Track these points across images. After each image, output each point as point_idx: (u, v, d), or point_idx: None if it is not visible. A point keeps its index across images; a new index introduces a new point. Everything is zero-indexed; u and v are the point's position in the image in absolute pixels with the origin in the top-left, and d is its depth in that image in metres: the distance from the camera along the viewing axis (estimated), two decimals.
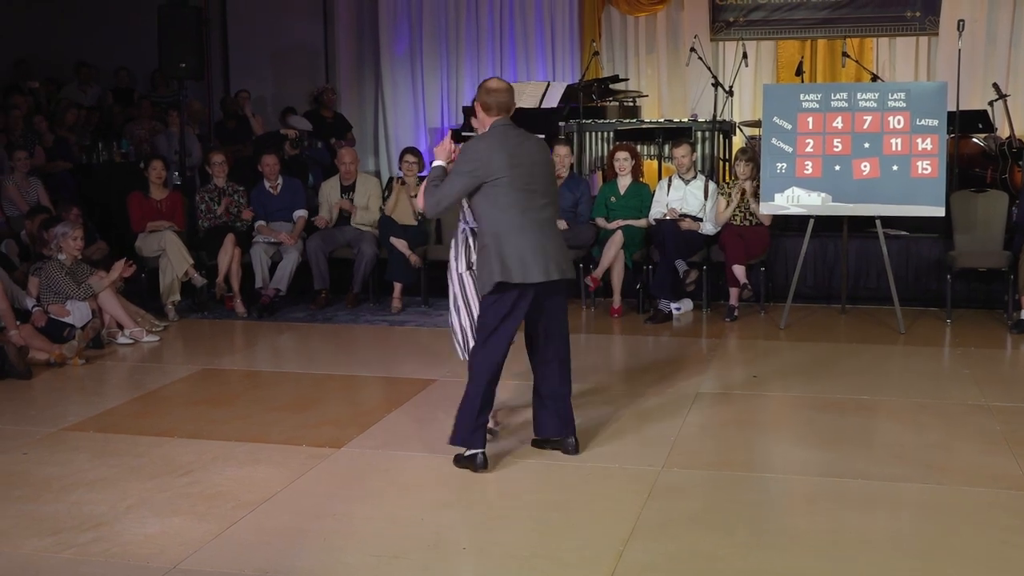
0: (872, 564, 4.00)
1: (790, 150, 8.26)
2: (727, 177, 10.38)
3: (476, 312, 5.19)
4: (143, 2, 12.02)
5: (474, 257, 5.21)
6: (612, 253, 8.78)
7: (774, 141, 8.31)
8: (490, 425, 5.32)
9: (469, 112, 10.92)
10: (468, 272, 5.28)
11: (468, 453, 5.03)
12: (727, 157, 10.81)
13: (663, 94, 13.25)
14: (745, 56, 11.07)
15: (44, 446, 5.56)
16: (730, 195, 8.89)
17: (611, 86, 11.56)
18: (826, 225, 8.82)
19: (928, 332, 8.21)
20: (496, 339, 4.99)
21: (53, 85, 12.76)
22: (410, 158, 9.53)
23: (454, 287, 5.36)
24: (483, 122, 5.17)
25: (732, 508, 4.57)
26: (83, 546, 4.22)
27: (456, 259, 5.34)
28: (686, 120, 11.01)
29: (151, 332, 8.24)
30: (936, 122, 8.06)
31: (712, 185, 9.09)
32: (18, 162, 9.70)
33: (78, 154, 11.23)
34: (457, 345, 5.42)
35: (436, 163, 5.21)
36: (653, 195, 9.19)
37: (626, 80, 12.50)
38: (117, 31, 13.31)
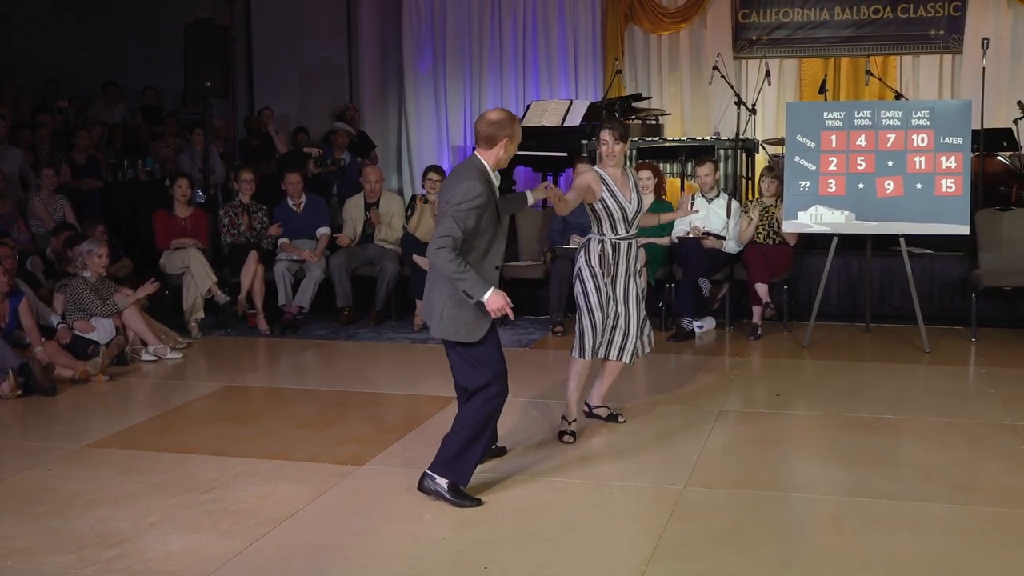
0: None
1: (813, 168, 8.23)
2: (750, 195, 10.37)
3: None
4: (169, 21, 12.13)
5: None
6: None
7: (797, 159, 8.29)
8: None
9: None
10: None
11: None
12: (750, 175, 10.79)
13: (686, 112, 13.24)
14: (768, 74, 11.07)
15: (68, 462, 5.59)
16: (748, 212, 8.87)
17: (634, 104, 11.56)
18: (850, 243, 8.78)
19: (953, 351, 8.15)
20: None
21: (80, 104, 12.87)
22: (433, 176, 9.55)
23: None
24: None
25: (756, 528, 4.55)
26: (106, 562, 4.23)
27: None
28: (709, 138, 10.99)
29: (175, 349, 8.28)
30: (960, 140, 8.02)
31: (735, 203, 9.07)
32: (45, 180, 9.78)
33: (104, 172, 11.32)
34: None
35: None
36: None
37: (649, 98, 12.50)
38: (144, 50, 13.43)
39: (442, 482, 4.87)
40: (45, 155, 10.60)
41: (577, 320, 5.84)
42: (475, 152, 4.89)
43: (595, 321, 5.77)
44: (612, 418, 6.16)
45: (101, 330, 7.94)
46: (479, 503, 4.86)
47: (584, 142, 10.54)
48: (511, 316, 4.80)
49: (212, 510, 4.82)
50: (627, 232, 5.81)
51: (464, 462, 4.86)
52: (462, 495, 4.87)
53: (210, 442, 5.91)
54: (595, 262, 5.74)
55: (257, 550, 4.35)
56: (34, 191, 9.93)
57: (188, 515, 4.76)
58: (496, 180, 4.87)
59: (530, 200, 5.34)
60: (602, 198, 5.69)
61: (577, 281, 5.81)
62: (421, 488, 4.92)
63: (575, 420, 5.86)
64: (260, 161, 12.04)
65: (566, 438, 5.77)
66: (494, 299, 4.68)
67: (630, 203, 5.77)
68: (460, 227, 4.62)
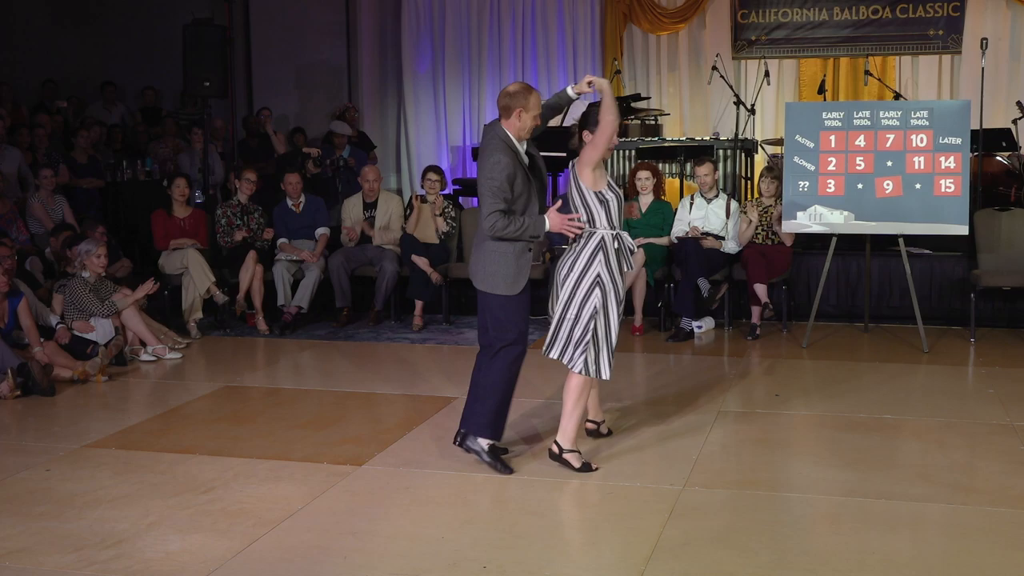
0: None
1: (812, 168, 8.24)
2: (749, 195, 10.37)
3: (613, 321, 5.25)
4: (168, 22, 12.14)
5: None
6: (634, 271, 8.77)
7: (796, 159, 8.29)
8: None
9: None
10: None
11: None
12: (749, 175, 10.80)
13: (685, 112, 13.26)
14: (767, 74, 11.09)
15: (67, 463, 5.59)
16: (747, 213, 8.88)
17: (633, 104, 11.57)
18: (849, 243, 8.79)
19: (952, 351, 8.16)
20: None
21: (79, 104, 12.88)
22: (432, 176, 9.55)
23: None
24: None
25: (755, 528, 4.55)
26: (105, 563, 4.23)
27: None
28: (708, 138, 11.00)
29: (173, 349, 8.28)
30: (959, 140, 8.03)
31: (734, 204, 9.07)
32: (44, 180, 9.78)
33: (103, 173, 11.33)
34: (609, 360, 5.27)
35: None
36: (675, 213, 9.19)
37: (648, 98, 12.51)
38: (143, 51, 13.45)
39: (483, 443, 5.29)
40: (43, 155, 10.60)
41: (590, 333, 5.15)
42: (499, 122, 5.20)
43: (612, 334, 5.22)
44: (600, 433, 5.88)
45: (100, 330, 7.94)
46: (511, 471, 5.22)
47: None
48: (574, 227, 5.11)
49: (211, 510, 4.82)
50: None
51: (502, 418, 5.31)
52: (499, 459, 5.29)
53: (209, 442, 5.91)
54: (614, 265, 5.17)
55: (256, 550, 4.35)
56: (33, 191, 9.93)
57: (187, 515, 4.76)
58: (522, 147, 5.18)
59: (572, 94, 5.36)
60: (608, 182, 5.26)
61: (596, 288, 5.13)
62: (462, 445, 5.34)
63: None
64: (259, 161, 12.05)
65: (596, 466, 5.29)
66: (553, 222, 5.09)
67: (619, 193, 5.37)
68: (501, 197, 5.04)
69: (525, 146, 5.21)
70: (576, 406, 5.26)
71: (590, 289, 5.14)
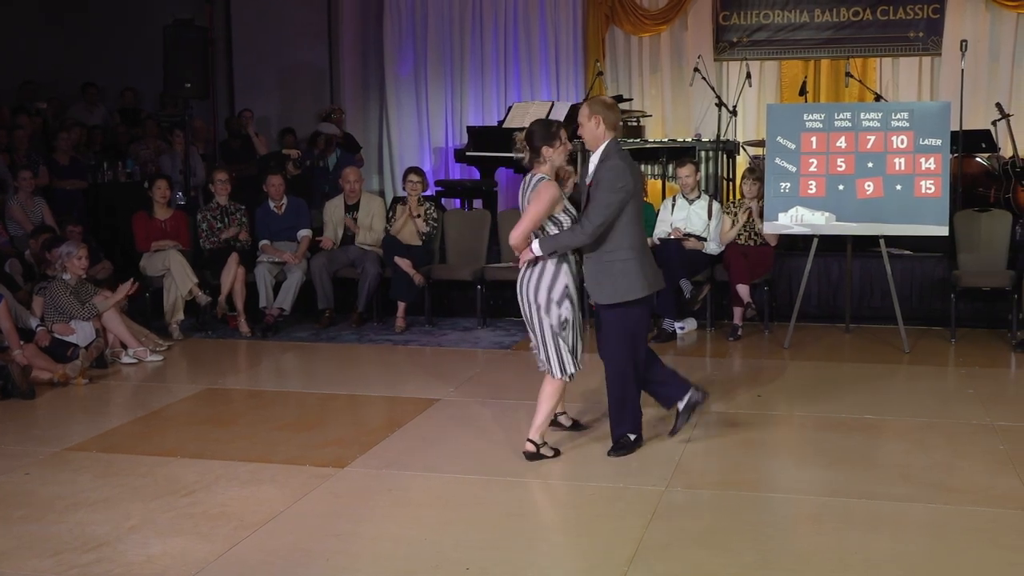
0: None
1: (793, 169, 8.26)
2: (731, 196, 10.39)
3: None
4: (149, 23, 12.08)
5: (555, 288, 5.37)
6: None
7: (777, 161, 8.31)
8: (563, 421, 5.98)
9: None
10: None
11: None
12: (731, 177, 10.82)
13: (667, 114, 13.27)
14: (749, 76, 11.11)
15: (47, 466, 5.56)
16: (736, 215, 8.90)
17: None
18: (830, 244, 8.82)
19: (932, 351, 8.19)
20: (640, 343, 5.56)
21: (60, 106, 12.80)
22: (414, 177, 9.54)
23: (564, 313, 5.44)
24: (597, 136, 5.43)
25: (737, 528, 4.56)
26: (85, 567, 4.21)
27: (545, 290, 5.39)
28: (690, 140, 11.01)
29: (155, 352, 8.24)
30: (939, 142, 8.06)
31: (716, 204, 9.08)
32: (22, 182, 9.73)
33: (85, 174, 11.27)
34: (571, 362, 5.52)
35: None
36: (657, 215, 9.19)
37: (630, 100, 12.51)
38: (124, 52, 13.37)
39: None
40: (22, 157, 10.53)
41: (561, 341, 5.41)
42: (613, 138, 5.48)
43: (577, 336, 5.51)
44: (576, 426, 6.08)
45: (80, 333, 7.89)
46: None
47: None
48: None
49: (192, 513, 4.80)
50: None
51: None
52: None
53: (190, 445, 5.89)
54: (574, 280, 5.44)
55: (238, 553, 4.34)
56: (11, 193, 9.87)
57: (168, 518, 4.74)
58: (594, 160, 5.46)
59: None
60: (566, 207, 5.46)
61: (567, 301, 5.37)
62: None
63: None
64: (240, 163, 12.01)
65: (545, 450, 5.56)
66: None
67: None
68: None
69: (596, 157, 5.44)
70: (550, 404, 5.55)
71: (558, 304, 5.39)
